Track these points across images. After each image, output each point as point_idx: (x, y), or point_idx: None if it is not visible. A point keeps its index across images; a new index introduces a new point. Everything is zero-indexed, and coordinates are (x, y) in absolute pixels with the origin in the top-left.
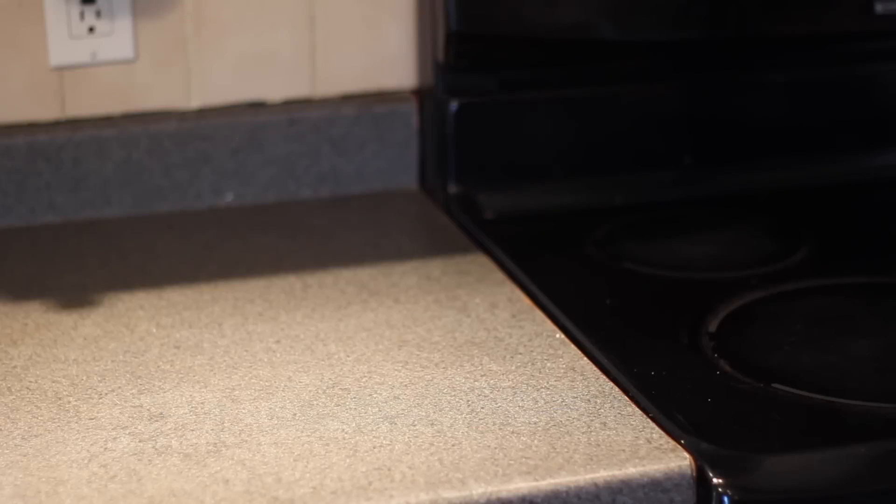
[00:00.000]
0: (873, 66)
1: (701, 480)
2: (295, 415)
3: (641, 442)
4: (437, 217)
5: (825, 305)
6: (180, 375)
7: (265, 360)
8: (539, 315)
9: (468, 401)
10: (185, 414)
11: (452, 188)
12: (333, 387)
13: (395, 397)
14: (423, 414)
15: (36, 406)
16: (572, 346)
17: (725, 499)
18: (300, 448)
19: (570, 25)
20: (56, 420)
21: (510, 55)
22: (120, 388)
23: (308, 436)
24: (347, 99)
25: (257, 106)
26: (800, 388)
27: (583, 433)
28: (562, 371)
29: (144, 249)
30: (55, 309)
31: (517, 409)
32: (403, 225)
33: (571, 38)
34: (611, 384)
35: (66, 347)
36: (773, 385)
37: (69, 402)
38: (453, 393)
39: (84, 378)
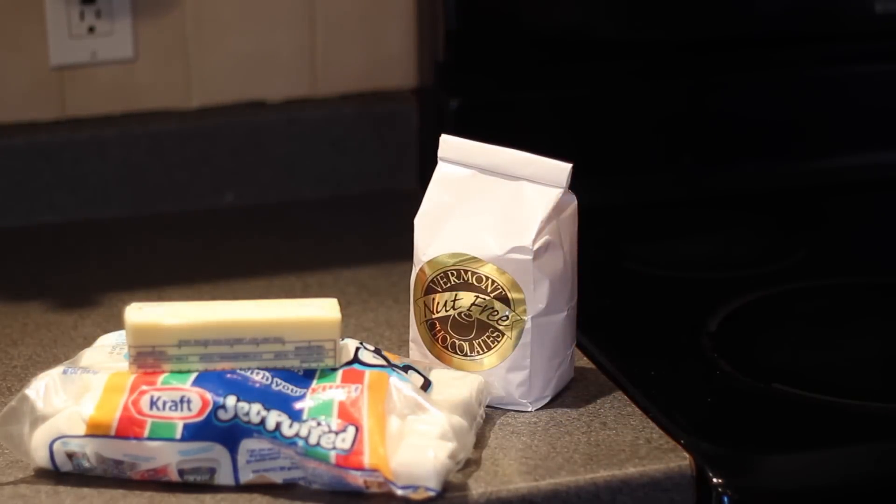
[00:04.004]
0: (873, 66)
1: (701, 480)
2: None
3: (641, 442)
4: None
5: (825, 305)
6: None
7: None
8: None
9: None
10: None
11: None
12: None
13: None
14: None
15: None
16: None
17: (725, 499)
18: None
19: (570, 25)
20: None
21: (510, 55)
22: None
23: None
24: (347, 99)
25: (257, 106)
26: (800, 388)
27: (583, 433)
28: None
29: (144, 249)
30: (55, 309)
31: (517, 408)
32: (403, 225)
33: (571, 38)
34: (611, 384)
35: (66, 347)
36: (773, 385)
37: None
38: None
39: None
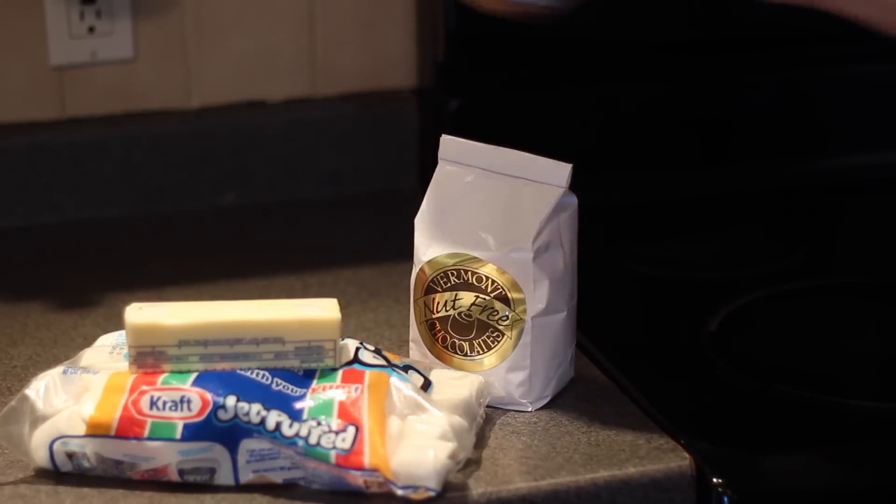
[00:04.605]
0: (873, 66)
1: (701, 480)
2: None
3: (641, 442)
4: None
5: (825, 305)
6: None
7: None
8: None
9: None
10: None
11: None
12: None
13: None
14: None
15: None
16: None
17: (725, 499)
18: None
19: (570, 25)
20: None
21: (510, 55)
22: None
23: None
24: (347, 99)
25: (257, 106)
26: (800, 388)
27: (583, 433)
28: None
29: (144, 249)
30: (55, 309)
31: (517, 408)
32: (403, 225)
33: (571, 38)
34: (611, 384)
35: (66, 347)
36: (773, 385)
37: None
38: None
39: None
